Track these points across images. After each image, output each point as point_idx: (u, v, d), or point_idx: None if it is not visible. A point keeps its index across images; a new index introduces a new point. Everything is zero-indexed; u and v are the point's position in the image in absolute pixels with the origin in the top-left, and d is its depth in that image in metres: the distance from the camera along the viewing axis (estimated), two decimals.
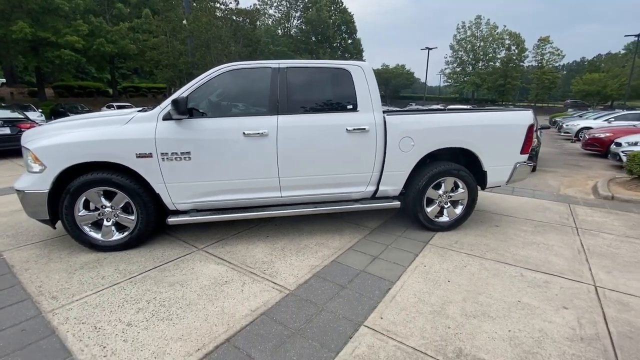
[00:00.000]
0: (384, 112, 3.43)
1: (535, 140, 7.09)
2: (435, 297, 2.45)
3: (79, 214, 3.04)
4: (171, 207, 3.21)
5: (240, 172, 3.16)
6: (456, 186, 3.67)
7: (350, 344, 1.96)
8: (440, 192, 3.66)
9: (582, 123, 14.40)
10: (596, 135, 9.96)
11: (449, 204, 3.73)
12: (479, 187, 3.78)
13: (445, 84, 66.42)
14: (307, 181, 3.33)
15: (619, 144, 8.04)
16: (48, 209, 2.99)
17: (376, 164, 3.41)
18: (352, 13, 57.69)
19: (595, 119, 15.34)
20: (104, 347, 1.92)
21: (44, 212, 3.00)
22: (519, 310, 2.30)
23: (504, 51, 55.48)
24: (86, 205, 3.07)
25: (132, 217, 3.14)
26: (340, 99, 3.34)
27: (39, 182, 2.92)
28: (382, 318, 2.20)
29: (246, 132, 3.08)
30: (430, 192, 3.62)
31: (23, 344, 1.94)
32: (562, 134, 15.40)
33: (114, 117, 3.12)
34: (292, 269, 2.86)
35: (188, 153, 3.03)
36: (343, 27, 57.71)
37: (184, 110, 2.89)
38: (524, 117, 3.69)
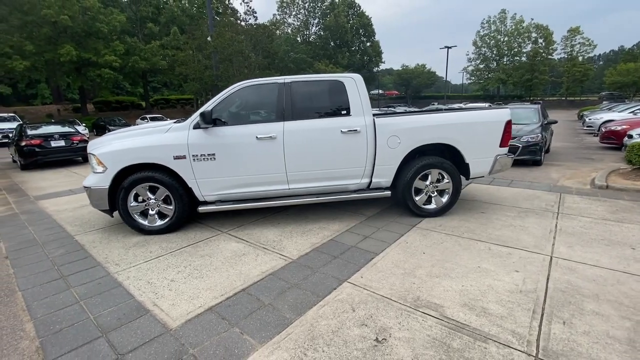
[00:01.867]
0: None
1: (538, 135, 7.35)
2: (409, 264, 3.01)
3: (131, 205, 3.87)
4: (201, 199, 3.98)
5: (254, 169, 3.88)
6: (442, 177, 4.19)
7: (334, 292, 2.59)
8: (427, 182, 4.18)
9: (606, 116, 14.06)
10: (612, 127, 9.88)
11: (435, 193, 4.24)
12: (464, 178, 4.27)
13: (469, 81, 65.03)
14: (309, 175, 3.99)
15: (630, 136, 8.05)
16: (108, 201, 3.86)
17: (368, 159, 4.01)
18: (369, 16, 58.16)
19: (620, 111, 14.89)
20: (156, 293, 2.67)
21: (105, 204, 3.87)
22: (476, 272, 2.81)
23: (530, 45, 53.65)
24: (136, 198, 3.91)
25: (171, 207, 3.94)
26: (335, 106, 3.99)
27: (101, 180, 3.79)
28: (362, 277, 2.81)
29: (259, 136, 3.80)
30: (418, 183, 4.16)
31: (101, 291, 2.73)
32: (585, 128, 15.08)
33: (156, 128, 3.96)
34: (296, 245, 3.52)
35: (213, 154, 3.79)
36: (361, 30, 58.27)
37: (209, 121, 3.65)
38: (501, 115, 4.15)
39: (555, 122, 8.48)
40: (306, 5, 51.86)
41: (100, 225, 4.40)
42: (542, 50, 51.88)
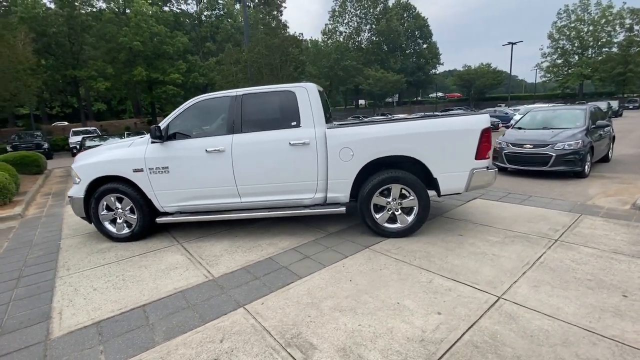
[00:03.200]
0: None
1: (579, 141, 6.18)
2: (323, 292, 2.70)
3: (101, 214, 4.20)
4: (161, 210, 4.14)
5: (205, 181, 3.91)
6: (407, 194, 3.72)
7: (221, 318, 2.44)
8: (390, 199, 3.75)
9: None
10: None
11: (399, 211, 3.78)
12: (438, 194, 3.74)
13: (543, 79, 57.85)
14: (260, 189, 3.88)
15: None
16: (85, 209, 4.24)
17: (320, 173, 3.75)
18: (426, 17, 55.84)
19: None
20: (71, 301, 2.82)
21: (82, 212, 4.26)
22: (390, 310, 2.40)
23: (622, 33, 45.80)
24: (109, 208, 4.23)
25: (135, 217, 4.17)
26: (285, 117, 3.83)
27: (78, 190, 4.19)
28: (262, 304, 2.60)
29: (208, 149, 3.82)
30: (379, 199, 3.75)
31: (34, 294, 2.99)
32: None
33: (122, 142, 4.25)
34: (231, 262, 3.43)
35: (167, 167, 3.92)
36: (417, 32, 56.20)
37: (157, 136, 3.80)
38: (476, 122, 3.54)
39: (607, 125, 7.01)
40: (358, 12, 51.84)
41: (91, 230, 4.86)
42: (638, 39, 43.80)
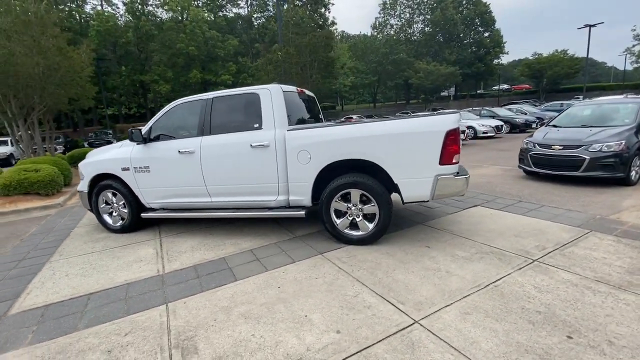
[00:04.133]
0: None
1: (621, 142, 5.21)
2: (246, 297, 2.70)
3: (101, 207, 4.71)
4: (147, 205, 4.49)
5: (178, 181, 4.14)
6: (367, 199, 3.51)
7: (141, 312, 2.58)
8: (350, 204, 3.58)
9: None
10: None
11: (361, 217, 3.58)
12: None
13: (635, 65, 49.19)
14: (226, 190, 3.99)
15: None
16: (89, 202, 4.79)
17: (280, 176, 3.73)
18: (488, 3, 51.05)
19: None
20: (43, 284, 3.23)
21: (87, 204, 4.83)
22: (292, 322, 2.31)
23: None
24: (107, 202, 4.72)
25: (126, 211, 4.59)
26: (249, 120, 3.86)
27: (83, 185, 4.75)
28: (185, 303, 2.69)
29: (180, 151, 4.04)
30: (339, 204, 3.61)
31: (22, 275, 3.48)
32: None
33: (117, 143, 4.69)
34: (188, 259, 3.59)
35: (147, 167, 4.24)
36: (477, 20, 51.74)
37: (138, 139, 4.12)
38: (439, 123, 3.18)
39: None
40: (410, 3, 49.47)
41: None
42: None
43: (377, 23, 50.73)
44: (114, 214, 4.69)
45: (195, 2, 31.36)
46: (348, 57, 43.62)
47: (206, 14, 29.26)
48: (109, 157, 4.51)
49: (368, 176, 3.45)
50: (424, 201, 3.50)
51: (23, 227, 5.43)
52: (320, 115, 5.16)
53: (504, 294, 2.49)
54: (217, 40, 29.31)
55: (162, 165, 4.17)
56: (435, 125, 3.19)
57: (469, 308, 2.34)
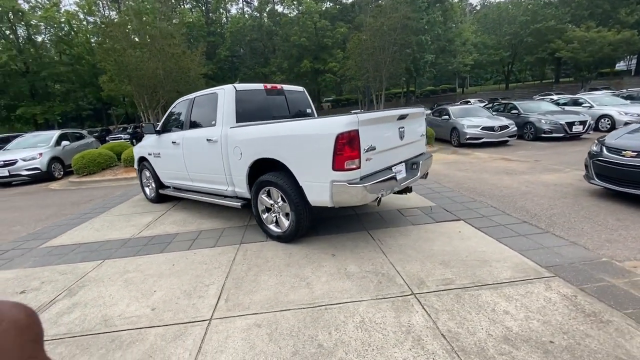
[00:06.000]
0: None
1: None
2: (145, 266, 3.32)
3: (143, 181, 6.21)
4: (165, 184, 5.68)
5: (174, 165, 5.07)
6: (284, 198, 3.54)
7: (82, 264, 3.55)
8: (272, 201, 3.69)
9: None
10: None
11: (281, 215, 3.64)
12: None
13: None
14: (198, 176, 4.67)
15: None
16: (140, 179, 6.37)
17: (225, 168, 4.13)
18: None
19: None
20: (76, 231, 4.70)
21: (139, 180, 6.43)
22: (140, 293, 2.78)
23: None
24: (146, 178, 6.17)
25: (153, 186, 5.92)
26: (210, 117, 4.34)
27: (135, 165, 6.33)
28: (102, 263, 3.52)
29: (173, 141, 4.94)
30: (264, 200, 3.76)
31: (69, 224, 5.12)
32: None
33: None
34: (161, 230, 4.46)
35: (159, 153, 5.35)
36: None
37: (152, 131, 5.23)
38: (329, 126, 2.88)
39: None
40: None
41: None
42: None
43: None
44: (149, 187, 6.11)
45: None
46: (471, 32, 37.93)
47: (319, 4, 30.69)
48: (143, 144, 5.87)
49: (282, 176, 3.47)
50: (328, 207, 3.26)
51: (112, 191, 7.65)
52: (309, 110, 5.19)
53: (318, 319, 2.27)
54: (327, 30, 30.53)
55: (165, 152, 5.19)
56: (325, 128, 2.93)
57: (265, 322, 2.27)
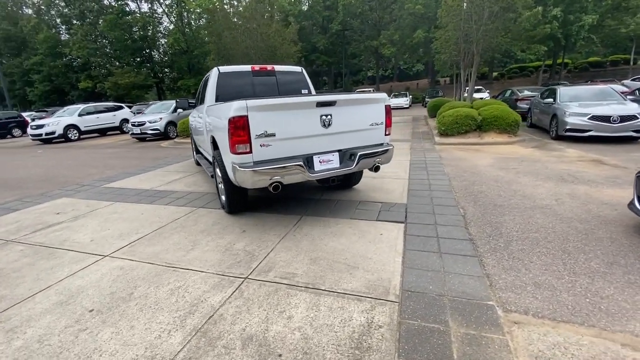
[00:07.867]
0: None
1: None
2: (122, 209, 4.36)
3: (193, 146, 7.59)
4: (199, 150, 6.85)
5: (195, 135, 6.08)
6: None
7: (96, 202, 4.91)
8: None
9: None
10: None
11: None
12: None
13: None
14: (203, 145, 5.51)
15: None
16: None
17: (207, 142, 4.77)
18: None
19: None
20: (126, 180, 6.35)
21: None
22: (95, 233, 3.78)
23: None
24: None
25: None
26: (207, 95, 4.97)
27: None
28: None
29: (194, 116, 5.90)
30: (217, 173, 4.23)
31: (128, 174, 6.87)
32: None
33: None
34: (174, 187, 5.59)
35: (192, 123, 6.46)
36: None
37: (186, 105, 6.33)
38: (226, 111, 3.04)
39: None
40: None
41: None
42: None
43: None
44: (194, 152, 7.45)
45: None
46: None
47: None
48: (191, 115, 7.12)
49: (218, 154, 3.84)
50: (245, 188, 3.45)
51: (184, 152, 9.50)
52: (305, 90, 5.24)
53: (160, 275, 2.68)
54: None
55: (194, 121, 6.24)
56: (224, 112, 3.12)
57: (128, 267, 2.84)
